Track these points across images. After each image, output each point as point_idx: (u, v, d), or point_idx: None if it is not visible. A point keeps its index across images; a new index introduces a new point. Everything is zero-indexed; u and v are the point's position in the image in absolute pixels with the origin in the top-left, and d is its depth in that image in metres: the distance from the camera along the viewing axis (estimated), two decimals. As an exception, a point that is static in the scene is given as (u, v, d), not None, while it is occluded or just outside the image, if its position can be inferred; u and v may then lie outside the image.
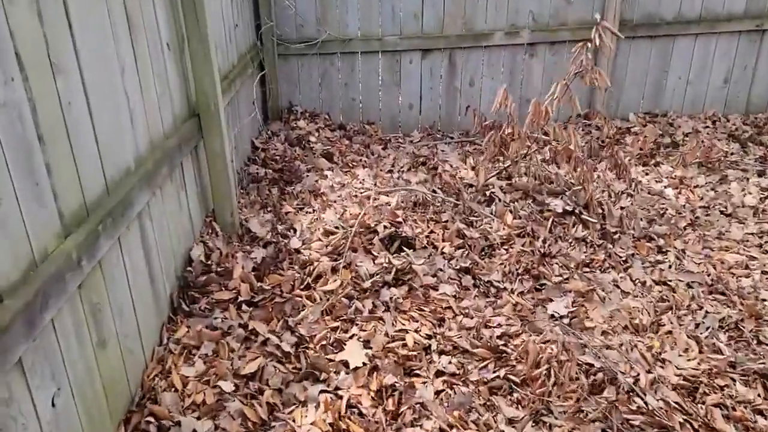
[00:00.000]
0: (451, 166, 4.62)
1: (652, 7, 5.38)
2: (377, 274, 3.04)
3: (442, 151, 5.07)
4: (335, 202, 3.99)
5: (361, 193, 4.20)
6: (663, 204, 3.89)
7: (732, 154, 4.72)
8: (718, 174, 4.37)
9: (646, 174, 4.37)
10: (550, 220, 3.40)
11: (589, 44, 3.47)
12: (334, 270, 3.10)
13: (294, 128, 5.40)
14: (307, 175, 4.58)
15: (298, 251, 3.25)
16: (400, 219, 3.48)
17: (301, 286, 3.00)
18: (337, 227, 3.45)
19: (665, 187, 4.15)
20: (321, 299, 2.91)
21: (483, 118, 4.31)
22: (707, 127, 5.38)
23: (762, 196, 4.04)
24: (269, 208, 4.01)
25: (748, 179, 4.27)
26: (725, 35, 5.43)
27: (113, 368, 2.06)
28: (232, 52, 4.39)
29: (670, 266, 3.22)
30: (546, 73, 5.61)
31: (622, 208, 3.68)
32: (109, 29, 2.20)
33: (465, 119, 5.70)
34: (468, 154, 4.83)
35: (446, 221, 3.49)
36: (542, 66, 5.59)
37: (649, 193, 4.02)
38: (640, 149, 4.66)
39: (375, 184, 4.37)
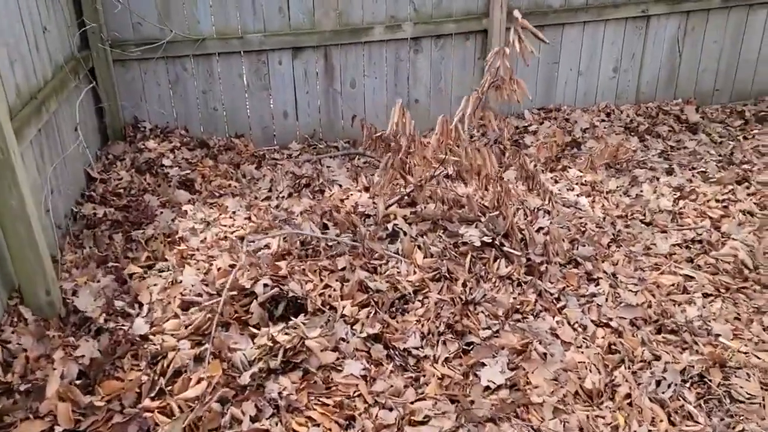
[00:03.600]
0: (340, 187, 3.91)
1: (538, -5, 5.00)
2: (259, 360, 2.27)
3: (328, 167, 4.34)
4: (197, 251, 3.12)
5: (232, 233, 3.36)
6: (581, 218, 3.45)
7: (634, 151, 4.43)
8: (627, 175, 4.04)
9: (556, 182, 3.94)
10: (468, 256, 2.80)
11: (507, 49, 2.89)
12: (199, 360, 2.28)
13: (142, 150, 4.40)
14: (161, 213, 3.66)
15: (145, 338, 2.38)
16: (284, 272, 2.71)
17: (152, 394, 2.15)
18: (199, 294, 2.61)
19: (578, 195, 3.73)
20: (181, 410, 2.09)
21: (372, 129, 3.64)
22: (603, 120, 5.10)
23: (675, 196, 3.74)
24: (110, 265, 3.07)
25: (658, 179, 3.97)
26: (612, 22, 5.17)
27: None
28: (42, 64, 3.35)
29: (606, 299, 2.75)
30: (433, 70, 5.05)
31: (541, 229, 3.18)
32: None
33: (349, 125, 5.00)
34: (359, 171, 4.14)
35: (343, 269, 2.77)
36: (429, 62, 5.02)
37: (564, 205, 3.56)
38: (548, 155, 4.22)
39: (249, 219, 3.55)
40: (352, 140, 5.01)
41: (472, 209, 3.00)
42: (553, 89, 5.34)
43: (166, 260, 3.00)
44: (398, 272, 2.75)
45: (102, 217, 3.57)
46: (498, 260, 2.82)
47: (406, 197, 3.19)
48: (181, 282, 2.71)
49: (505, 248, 2.82)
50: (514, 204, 2.98)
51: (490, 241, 2.84)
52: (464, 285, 2.70)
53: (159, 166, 4.23)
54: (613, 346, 2.46)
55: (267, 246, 3.11)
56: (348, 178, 4.05)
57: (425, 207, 3.08)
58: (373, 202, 3.31)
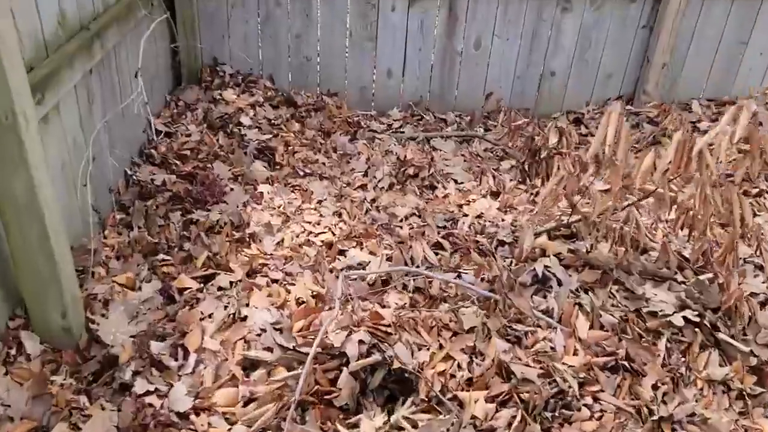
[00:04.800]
0: (457, 183, 3.01)
1: (742, -50, 3.78)
2: (347, 483, 1.47)
3: (440, 151, 3.43)
4: (271, 258, 2.34)
5: (317, 235, 2.55)
6: (802, 280, 2.41)
7: None
8: None
9: (755, 214, 2.87)
10: (663, 339, 1.87)
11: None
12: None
13: (217, 101, 3.64)
14: (231, 190, 2.90)
15: (184, 416, 1.62)
16: (388, 324, 1.88)
17: None
18: (269, 348, 1.82)
19: (790, 241, 2.66)
20: None
21: (514, 117, 2.71)
22: (799, 125, 3.90)
23: None
24: (159, 258, 2.35)
25: None
26: (835, -3, 3.90)
27: None
28: (102, -16, 2.57)
29: None
30: (582, 35, 3.96)
31: (754, 295, 2.18)
32: None
33: (464, 96, 4.06)
34: (482, 165, 3.19)
35: (472, 331, 1.91)
36: (578, 25, 3.93)
37: (774, 255, 2.52)
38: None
39: (339, 216, 2.72)
40: (467, 115, 4.06)
41: (666, 259, 2.05)
42: (731, 77, 4.15)
43: (230, 270, 2.23)
44: (552, 348, 1.86)
45: (160, 187, 2.85)
46: (707, 351, 1.87)
47: (563, 227, 2.25)
48: (245, 319, 1.93)
49: (720, 335, 1.87)
50: (738, 265, 1.99)
51: (697, 319, 1.90)
52: (655, 387, 1.78)
53: (236, 125, 3.46)
54: None
55: (362, 267, 2.29)
56: (466, 171, 3.13)
57: (594, 248, 2.14)
58: (512, 224, 2.40)
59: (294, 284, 2.12)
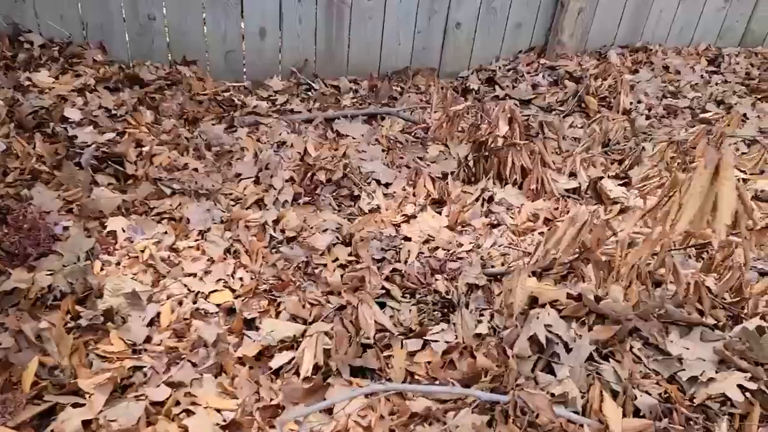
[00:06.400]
0: (380, 184, 2.33)
1: None
2: None
3: (349, 137, 2.70)
4: (146, 354, 1.53)
5: (207, 298, 1.76)
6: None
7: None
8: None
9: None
10: (723, 425, 1.40)
11: None
12: None
13: (26, 88, 2.59)
14: (66, 231, 1.98)
15: None
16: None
17: None
18: None
19: None
20: None
21: (447, 96, 2.08)
22: (711, 71, 3.67)
23: None
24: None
25: None
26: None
27: None
28: None
29: None
30: (490, -19, 3.37)
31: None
32: None
33: (360, 56, 3.34)
34: (403, 152, 2.53)
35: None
36: (485, -33, 3.32)
37: None
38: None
39: (234, 257, 1.94)
40: (362, 79, 3.36)
41: (695, 300, 1.57)
42: (643, 20, 3.81)
43: (79, 395, 1.40)
44: (590, 461, 1.32)
45: (-53, 235, 1.88)
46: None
47: (558, 265, 1.69)
48: None
49: (784, 405, 1.45)
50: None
51: (752, 385, 1.46)
52: (725, 495, 1.33)
53: (59, 122, 2.47)
54: None
55: (284, 342, 1.58)
56: (389, 167, 2.45)
57: (604, 293, 1.60)
58: (481, 257, 1.79)
59: (192, 410, 1.36)
